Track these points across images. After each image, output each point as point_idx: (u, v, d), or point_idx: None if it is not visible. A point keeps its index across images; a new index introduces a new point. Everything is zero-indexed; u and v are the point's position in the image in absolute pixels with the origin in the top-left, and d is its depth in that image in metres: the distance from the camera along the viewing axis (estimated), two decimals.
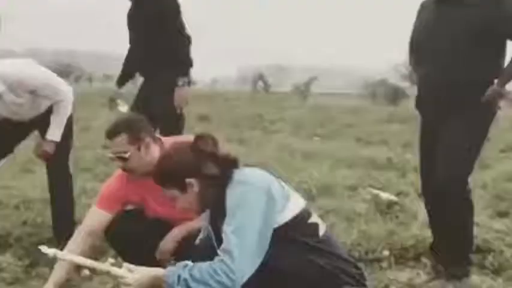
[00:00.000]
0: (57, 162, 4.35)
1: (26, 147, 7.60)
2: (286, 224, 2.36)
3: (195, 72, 5.20)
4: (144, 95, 5.04)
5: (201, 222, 3.10)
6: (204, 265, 2.31)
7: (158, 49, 4.87)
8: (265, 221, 2.31)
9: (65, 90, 4.22)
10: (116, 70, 5.29)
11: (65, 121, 4.26)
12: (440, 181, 3.52)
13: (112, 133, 3.17)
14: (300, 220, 2.41)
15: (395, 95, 28.53)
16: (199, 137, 2.48)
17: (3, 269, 3.02)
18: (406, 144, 9.62)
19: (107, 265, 2.50)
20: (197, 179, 2.44)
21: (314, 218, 2.47)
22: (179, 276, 2.31)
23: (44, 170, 6.68)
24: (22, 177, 6.74)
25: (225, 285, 2.25)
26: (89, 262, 2.55)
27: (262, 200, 2.32)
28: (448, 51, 3.51)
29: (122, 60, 5.27)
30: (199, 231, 3.01)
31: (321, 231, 2.46)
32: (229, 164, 2.47)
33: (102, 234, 3.36)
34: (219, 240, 2.44)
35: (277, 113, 17.06)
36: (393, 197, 5.61)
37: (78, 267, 3.70)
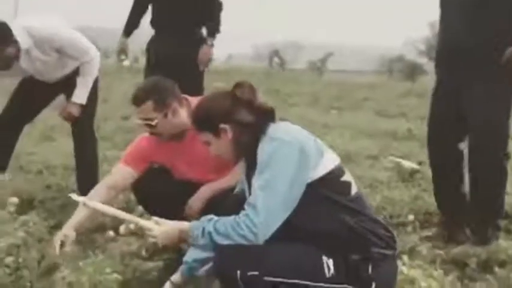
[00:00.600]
0: (82, 125, 4.35)
1: (45, 115, 7.73)
2: (319, 180, 2.32)
3: None
4: (173, 51, 4.88)
5: (231, 181, 3.11)
6: (229, 219, 2.29)
7: (195, 7, 4.87)
8: (296, 177, 2.27)
9: (92, 52, 4.20)
10: (131, 46, 5.25)
11: (90, 83, 4.24)
12: (476, 147, 3.53)
13: (138, 100, 3.13)
14: (333, 177, 2.36)
15: (412, 71, 28.27)
16: (237, 84, 2.45)
17: (30, 228, 3.01)
18: (425, 117, 9.50)
19: (134, 216, 2.51)
20: (231, 125, 2.41)
21: (347, 176, 2.42)
22: (203, 229, 2.30)
23: (64, 139, 6.76)
24: (43, 145, 6.76)
25: (248, 239, 2.23)
26: (118, 212, 2.56)
27: (294, 155, 2.28)
28: (476, 3, 3.46)
29: (137, 36, 5.27)
30: (229, 190, 2.99)
31: (353, 190, 2.41)
32: (265, 115, 2.43)
33: (125, 190, 3.38)
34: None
35: (293, 88, 16.97)
36: (415, 165, 5.57)
37: (102, 229, 3.74)
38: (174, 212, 3.10)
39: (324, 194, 2.32)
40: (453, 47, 3.59)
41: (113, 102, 10.85)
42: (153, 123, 3.12)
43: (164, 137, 3.21)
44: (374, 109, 12.04)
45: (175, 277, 2.72)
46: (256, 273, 2.20)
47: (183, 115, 3.18)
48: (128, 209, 3.87)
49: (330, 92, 16.12)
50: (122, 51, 5.19)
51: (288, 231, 2.27)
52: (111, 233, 3.81)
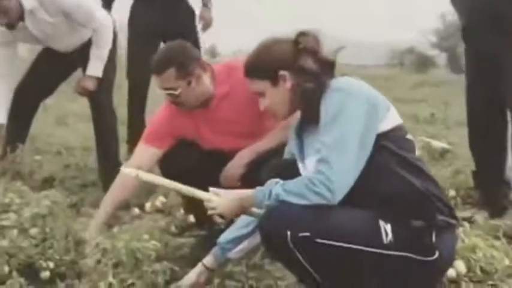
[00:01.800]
0: (99, 99, 4.12)
1: (59, 103, 7.59)
2: (386, 133, 2.11)
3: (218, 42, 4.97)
4: (163, 20, 4.61)
5: (270, 143, 2.91)
6: (299, 178, 2.10)
7: None
8: (367, 129, 2.08)
9: (101, 17, 3.94)
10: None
11: (105, 54, 4.00)
12: None
13: (159, 68, 2.89)
14: (400, 133, 2.16)
15: (424, 63, 28.02)
16: (301, 33, 2.25)
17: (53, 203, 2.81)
18: (446, 102, 9.38)
19: (190, 188, 2.31)
20: (292, 73, 2.22)
21: (410, 136, 2.22)
22: (270, 192, 2.09)
23: (80, 124, 6.58)
24: (59, 129, 6.60)
25: (324, 196, 2.01)
26: (172, 184, 2.33)
27: (363, 106, 2.09)
28: None
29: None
30: (270, 153, 2.82)
31: (417, 151, 2.21)
32: (329, 67, 2.24)
33: (151, 171, 3.14)
34: (302, 156, 2.25)
35: None
36: (446, 145, 5.38)
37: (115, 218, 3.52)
38: (209, 186, 2.92)
39: (391, 148, 2.12)
40: (490, 14, 3.36)
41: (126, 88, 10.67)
42: (177, 92, 2.89)
43: (188, 107, 2.98)
44: (391, 96, 11.78)
45: (208, 260, 2.52)
46: (307, 234, 2.01)
47: (207, 82, 2.96)
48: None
49: None
50: None
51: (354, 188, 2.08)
52: (136, 210, 3.65)
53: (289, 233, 2.00)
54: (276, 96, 2.26)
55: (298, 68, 2.20)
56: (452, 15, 34.56)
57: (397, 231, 2.06)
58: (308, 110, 2.23)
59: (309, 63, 2.20)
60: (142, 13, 4.65)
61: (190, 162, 2.97)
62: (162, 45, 4.57)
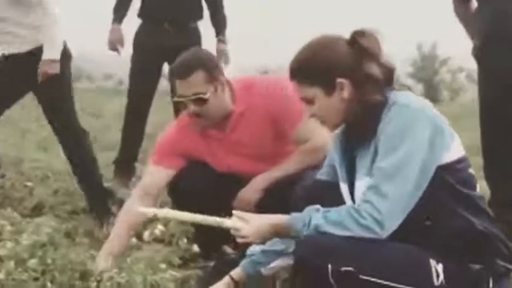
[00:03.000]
0: (61, 117, 3.81)
1: (37, 129, 7.34)
2: (449, 165, 1.88)
3: None
4: (174, 43, 4.35)
5: (289, 169, 2.71)
6: (344, 207, 1.90)
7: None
8: (429, 158, 1.85)
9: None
10: (116, 70, 4.82)
11: (57, 37, 3.63)
12: None
13: (186, 70, 2.65)
14: (463, 166, 1.93)
15: None
16: (359, 33, 1.97)
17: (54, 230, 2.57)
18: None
19: (216, 218, 2.07)
20: (351, 81, 1.95)
21: (471, 169, 1.98)
22: (310, 220, 1.88)
23: (58, 147, 6.35)
24: (41, 154, 6.33)
25: (372, 230, 1.81)
26: (197, 217, 2.09)
27: (430, 130, 1.85)
28: None
29: (122, 60, 4.82)
30: (287, 182, 2.62)
31: (478, 186, 1.98)
32: (390, 75, 1.98)
33: (162, 194, 2.95)
34: (350, 178, 2.02)
35: None
36: None
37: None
38: (217, 211, 2.71)
39: (452, 184, 1.89)
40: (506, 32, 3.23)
41: (107, 117, 10.44)
42: (206, 96, 2.65)
43: (210, 121, 2.74)
44: None
45: (236, 272, 2.29)
46: (351, 269, 1.79)
47: (227, 96, 2.75)
48: None
49: None
50: (117, 40, 4.53)
51: (409, 225, 1.86)
52: (134, 240, 3.40)
53: (330, 266, 1.80)
54: (328, 105, 1.98)
55: (362, 76, 1.94)
56: (429, 45, 35.15)
57: (451, 273, 1.86)
58: (366, 125, 1.95)
59: (374, 70, 1.94)
60: (149, 32, 4.51)
61: (203, 184, 2.78)
62: (166, 66, 4.45)
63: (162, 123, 7.86)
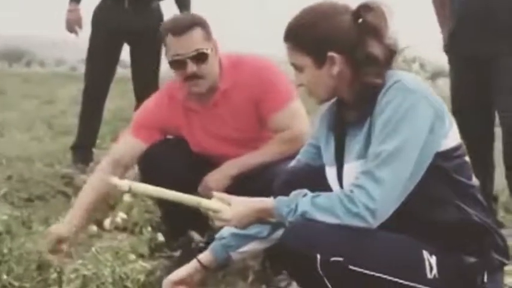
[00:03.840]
0: None
1: None
2: (446, 152, 1.76)
3: None
4: (135, 23, 4.22)
5: (264, 157, 2.56)
6: (334, 193, 1.75)
7: None
8: (428, 144, 1.72)
9: None
10: (70, 56, 4.58)
11: None
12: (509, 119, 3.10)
13: (185, 27, 2.51)
14: (460, 153, 1.80)
15: None
16: (365, 6, 1.80)
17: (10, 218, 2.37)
18: None
19: (196, 198, 1.92)
20: (348, 58, 1.79)
21: (467, 157, 1.86)
22: (297, 206, 1.73)
23: (17, 135, 6.12)
24: None
25: (364, 220, 1.66)
26: (174, 194, 1.93)
27: (430, 116, 1.72)
28: None
29: (75, 46, 4.57)
30: (264, 169, 2.48)
31: (474, 176, 1.86)
32: (391, 56, 1.81)
33: (132, 166, 2.80)
34: (338, 161, 1.87)
35: None
36: None
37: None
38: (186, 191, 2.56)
39: (448, 171, 1.76)
40: (486, 14, 3.15)
41: (62, 102, 10.16)
42: (208, 51, 2.52)
43: (205, 86, 2.57)
44: None
45: (205, 256, 2.13)
46: (340, 259, 1.66)
47: (217, 64, 2.61)
48: None
49: None
50: (75, 21, 4.29)
51: (401, 214, 1.73)
52: (94, 228, 3.21)
53: (319, 256, 1.66)
54: (317, 78, 1.83)
55: (362, 55, 1.78)
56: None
57: (444, 266, 1.73)
58: (361, 107, 1.80)
59: (376, 49, 1.77)
60: (109, 11, 4.26)
61: (174, 167, 2.61)
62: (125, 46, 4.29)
63: (119, 110, 7.69)
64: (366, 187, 1.67)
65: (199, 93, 2.60)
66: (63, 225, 2.55)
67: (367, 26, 1.79)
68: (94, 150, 4.44)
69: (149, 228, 3.05)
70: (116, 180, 1.92)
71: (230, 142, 2.66)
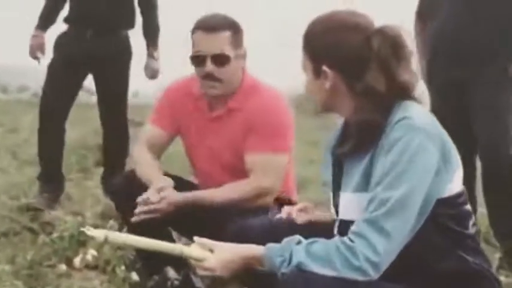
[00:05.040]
0: None
1: None
2: (447, 199, 1.67)
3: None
4: (98, 52, 4.07)
5: (211, 197, 2.47)
6: (332, 242, 1.63)
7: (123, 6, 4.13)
8: (433, 190, 1.63)
9: None
10: (32, 82, 4.45)
11: None
12: (489, 152, 3.08)
13: (216, 26, 2.50)
14: (462, 200, 1.73)
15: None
16: (379, 32, 1.70)
17: None
18: None
19: (172, 246, 1.82)
20: (340, 77, 1.72)
21: (468, 206, 1.78)
22: (291, 256, 1.62)
23: None
24: None
25: (365, 273, 1.56)
26: (153, 243, 1.80)
27: (437, 158, 1.63)
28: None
29: (38, 72, 4.39)
30: (221, 211, 2.39)
31: (472, 221, 1.77)
32: (402, 91, 1.70)
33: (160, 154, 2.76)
34: (337, 186, 1.79)
35: None
36: None
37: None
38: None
39: (447, 218, 1.68)
40: (456, 43, 3.13)
41: (25, 130, 9.90)
42: (231, 55, 2.49)
43: (221, 89, 2.54)
44: (305, 140, 11.62)
45: None
46: None
47: (240, 73, 2.58)
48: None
49: None
50: (38, 47, 4.14)
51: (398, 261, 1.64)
52: (63, 266, 3.06)
53: None
54: (312, 86, 1.79)
55: (362, 86, 1.69)
56: None
57: None
58: (361, 138, 1.70)
59: (379, 84, 1.67)
60: (72, 38, 4.11)
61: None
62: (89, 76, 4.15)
63: (84, 137, 7.52)
64: (369, 238, 1.57)
65: (214, 96, 2.56)
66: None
67: (376, 55, 1.69)
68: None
69: (122, 267, 2.92)
70: (91, 230, 1.80)
71: (217, 160, 2.61)
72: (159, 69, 4.30)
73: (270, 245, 1.68)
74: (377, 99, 1.67)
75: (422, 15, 3.37)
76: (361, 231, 1.59)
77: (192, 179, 2.95)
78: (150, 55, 4.25)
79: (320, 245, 1.62)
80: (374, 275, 1.57)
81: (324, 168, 1.89)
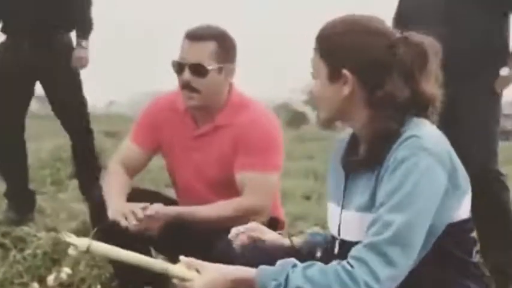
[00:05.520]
0: None
1: None
2: (454, 225, 1.59)
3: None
4: (38, 59, 3.87)
5: (195, 214, 2.37)
6: (331, 267, 1.52)
7: (60, 8, 3.91)
8: (440, 216, 1.55)
9: None
10: None
11: None
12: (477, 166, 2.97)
13: (201, 36, 2.41)
14: (468, 227, 1.65)
15: (297, 119, 28.65)
16: (405, 39, 1.62)
17: None
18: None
19: (160, 262, 1.71)
20: (360, 82, 1.62)
21: (474, 233, 1.70)
22: (287, 280, 1.52)
23: None
24: None
25: None
26: (138, 258, 1.70)
27: (445, 183, 1.54)
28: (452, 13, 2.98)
29: None
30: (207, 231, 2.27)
31: (476, 249, 1.70)
32: (422, 104, 1.62)
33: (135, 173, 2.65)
34: (339, 199, 1.71)
35: None
36: None
37: None
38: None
39: (452, 247, 1.61)
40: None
41: None
42: (209, 67, 2.38)
43: (197, 102, 2.44)
44: None
45: None
46: None
47: (226, 89, 2.48)
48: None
49: None
50: None
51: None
52: (35, 285, 2.94)
53: None
54: (325, 92, 1.66)
55: (381, 93, 1.59)
56: None
57: None
58: (370, 153, 1.62)
59: (399, 92, 1.58)
60: (10, 47, 3.93)
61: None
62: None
63: (57, 149, 7.36)
64: (370, 264, 1.48)
65: (195, 108, 2.47)
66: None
67: (400, 62, 1.60)
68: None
69: (98, 286, 2.81)
70: (73, 238, 1.69)
71: (203, 177, 2.53)
72: (88, 58, 4.05)
73: (262, 267, 1.58)
74: (394, 109, 1.59)
75: (399, 24, 3.29)
76: (362, 256, 1.49)
77: (167, 192, 2.86)
78: (79, 44, 4.04)
79: (318, 269, 1.53)
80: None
81: (331, 183, 1.80)
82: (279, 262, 1.58)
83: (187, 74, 2.40)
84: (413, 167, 1.51)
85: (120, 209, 2.35)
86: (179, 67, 2.43)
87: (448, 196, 1.55)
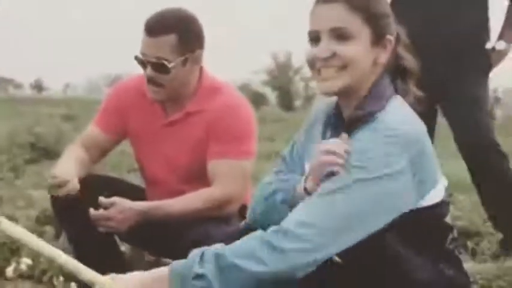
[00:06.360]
0: None
1: None
2: (423, 209, 1.55)
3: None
4: None
5: (166, 208, 2.24)
6: (252, 235, 1.49)
7: None
8: (407, 199, 1.51)
9: None
10: None
11: None
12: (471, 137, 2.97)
13: (159, 30, 2.22)
14: (440, 211, 1.60)
15: (257, 100, 28.60)
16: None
17: None
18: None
19: (69, 259, 1.54)
20: (394, 48, 1.62)
21: (449, 219, 1.66)
22: (203, 255, 1.46)
23: None
24: None
25: (273, 243, 1.44)
26: (38, 244, 1.53)
27: (407, 176, 1.50)
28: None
29: None
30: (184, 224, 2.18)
31: (451, 236, 1.65)
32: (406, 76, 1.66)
33: (97, 158, 2.49)
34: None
35: None
36: None
37: None
38: None
39: (418, 231, 1.57)
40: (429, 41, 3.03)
41: None
42: (169, 65, 2.23)
43: (161, 96, 2.31)
44: None
45: None
46: None
47: (196, 76, 2.34)
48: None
49: None
50: None
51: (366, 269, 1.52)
52: None
53: None
54: (361, 56, 1.56)
55: (397, 65, 1.64)
56: (284, 55, 35.92)
57: None
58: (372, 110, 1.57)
59: (409, 63, 1.66)
60: None
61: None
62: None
63: (15, 134, 7.17)
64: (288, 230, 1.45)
65: (159, 101, 2.35)
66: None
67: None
68: None
69: (61, 278, 2.70)
70: None
71: (173, 168, 2.39)
72: None
73: (176, 262, 1.50)
74: (407, 82, 1.64)
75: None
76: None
77: (132, 179, 2.74)
78: None
79: (240, 241, 1.49)
80: (281, 243, 1.44)
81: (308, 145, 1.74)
82: (192, 252, 1.51)
83: (149, 70, 2.26)
84: (380, 144, 1.50)
85: (60, 172, 2.19)
86: (141, 63, 2.29)
87: (418, 180, 1.51)
